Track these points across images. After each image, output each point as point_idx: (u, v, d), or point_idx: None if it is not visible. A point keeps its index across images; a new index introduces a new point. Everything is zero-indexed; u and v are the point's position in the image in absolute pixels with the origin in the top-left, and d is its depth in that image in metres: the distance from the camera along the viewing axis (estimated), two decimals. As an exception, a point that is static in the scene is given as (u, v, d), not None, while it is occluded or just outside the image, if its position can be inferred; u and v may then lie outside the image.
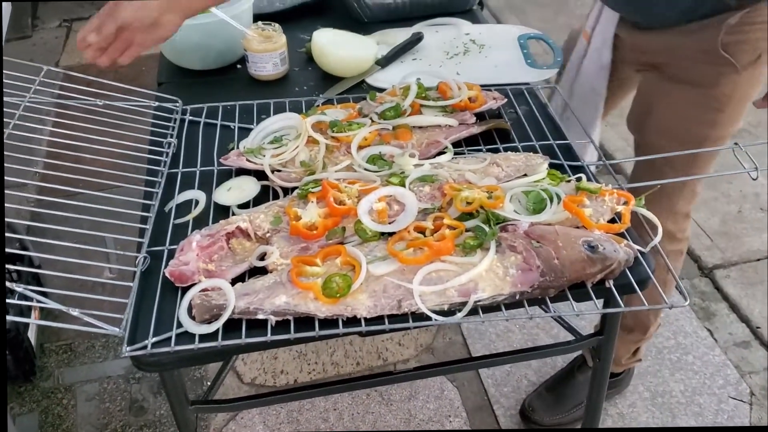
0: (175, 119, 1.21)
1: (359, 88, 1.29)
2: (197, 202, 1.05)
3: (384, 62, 1.32)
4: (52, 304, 0.86)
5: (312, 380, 1.82)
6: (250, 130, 1.16)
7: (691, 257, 2.14)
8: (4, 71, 1.13)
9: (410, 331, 1.92)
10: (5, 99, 1.16)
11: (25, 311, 1.81)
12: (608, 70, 1.35)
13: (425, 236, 0.90)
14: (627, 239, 0.92)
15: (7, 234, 1.87)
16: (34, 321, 1.12)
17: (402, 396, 1.76)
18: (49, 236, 0.97)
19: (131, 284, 0.92)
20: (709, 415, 1.72)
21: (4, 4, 1.73)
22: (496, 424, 1.71)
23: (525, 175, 1.02)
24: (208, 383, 1.75)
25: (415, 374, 1.23)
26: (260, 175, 1.07)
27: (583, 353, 1.69)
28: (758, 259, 2.14)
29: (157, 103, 1.24)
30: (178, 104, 1.23)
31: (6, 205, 0.97)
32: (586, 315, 1.77)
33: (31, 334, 1.83)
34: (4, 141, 1.04)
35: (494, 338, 1.91)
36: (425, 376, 1.24)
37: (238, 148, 1.13)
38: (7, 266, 1.60)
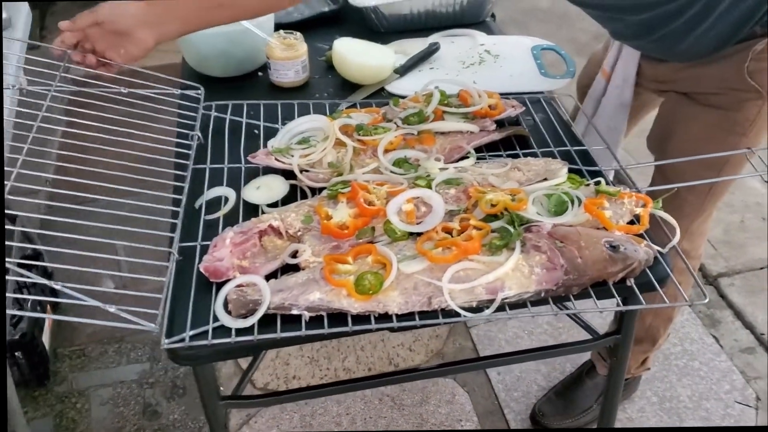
0: (199, 110, 1.23)
1: (378, 96, 1.33)
2: (227, 199, 1.07)
3: (402, 71, 1.36)
4: (90, 302, 0.88)
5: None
6: (276, 129, 1.19)
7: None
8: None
9: (420, 337, 1.95)
10: (30, 88, 1.18)
11: (40, 318, 1.83)
12: (628, 108, 1.36)
13: (452, 236, 0.93)
14: (646, 240, 0.95)
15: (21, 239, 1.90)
16: (69, 318, 1.13)
17: (414, 401, 1.78)
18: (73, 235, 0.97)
19: (163, 279, 0.93)
20: (716, 419, 1.75)
21: (23, 11, 1.76)
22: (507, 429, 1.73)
23: (545, 179, 1.06)
24: (221, 388, 1.77)
25: (427, 373, 1.26)
26: (288, 174, 1.10)
27: (591, 359, 1.73)
28: (761, 268, 2.18)
29: (179, 91, 1.25)
30: (200, 92, 1.25)
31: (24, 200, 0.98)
32: (601, 318, 1.80)
33: (45, 339, 1.85)
34: (32, 135, 1.05)
35: (504, 344, 1.94)
36: (435, 375, 1.27)
37: (265, 147, 1.16)
38: (21, 269, 1.62)
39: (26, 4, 1.81)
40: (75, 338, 1.96)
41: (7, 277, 0.89)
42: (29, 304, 1.83)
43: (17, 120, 1.07)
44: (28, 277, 0.93)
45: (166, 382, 1.83)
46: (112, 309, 0.89)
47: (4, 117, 1.05)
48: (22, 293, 1.87)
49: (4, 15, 1.68)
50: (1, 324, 1.37)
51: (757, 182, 2.40)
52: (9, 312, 1.64)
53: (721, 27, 1.13)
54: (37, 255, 1.96)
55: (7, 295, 1.67)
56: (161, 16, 1.11)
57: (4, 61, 1.42)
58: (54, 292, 2.03)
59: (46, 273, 1.95)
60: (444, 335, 1.97)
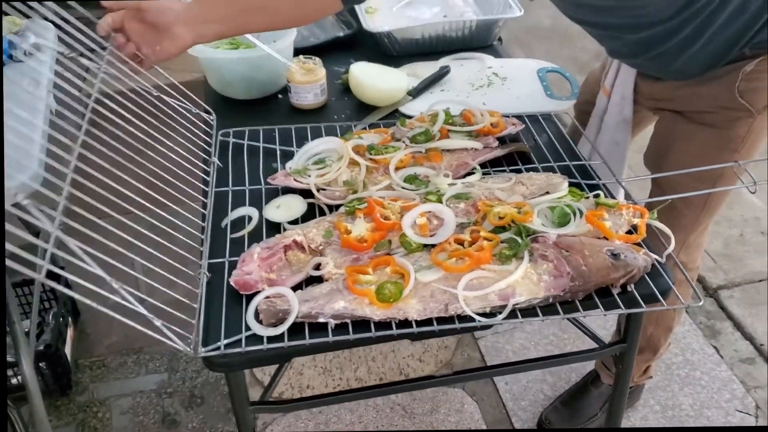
0: (213, 136, 1.31)
1: (393, 117, 1.40)
2: (250, 218, 1.14)
3: (415, 93, 1.44)
4: (140, 309, 0.94)
5: (337, 395, 1.91)
6: (291, 152, 1.27)
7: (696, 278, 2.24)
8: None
9: (430, 348, 2.01)
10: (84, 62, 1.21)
11: (62, 329, 1.89)
12: (630, 123, 1.42)
13: (464, 247, 1.00)
14: (644, 248, 1.02)
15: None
16: (120, 319, 1.17)
17: (424, 410, 1.84)
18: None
19: (196, 291, 1.00)
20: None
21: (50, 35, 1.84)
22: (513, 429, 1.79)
23: (547, 192, 1.13)
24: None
25: (437, 381, 1.32)
26: (305, 193, 1.17)
27: (596, 369, 1.79)
28: (760, 280, 2.24)
29: (195, 110, 1.31)
30: (212, 117, 1.33)
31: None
32: (605, 330, 1.86)
33: (67, 350, 1.91)
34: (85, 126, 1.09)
35: (511, 355, 2.00)
36: (445, 383, 1.32)
37: (283, 168, 1.23)
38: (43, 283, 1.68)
39: (52, 27, 1.88)
40: (95, 350, 2.02)
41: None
42: (51, 316, 1.90)
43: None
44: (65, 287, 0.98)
45: (184, 391, 1.90)
46: (158, 323, 0.94)
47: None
48: (44, 306, 1.95)
49: (32, 39, 1.76)
50: (1, 326, 1.43)
51: (756, 197, 2.47)
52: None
53: (713, 47, 1.19)
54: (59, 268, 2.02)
55: (33, 306, 1.74)
56: (202, 17, 1.13)
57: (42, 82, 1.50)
58: (75, 306, 2.10)
59: (67, 285, 2.02)
60: (453, 346, 2.03)
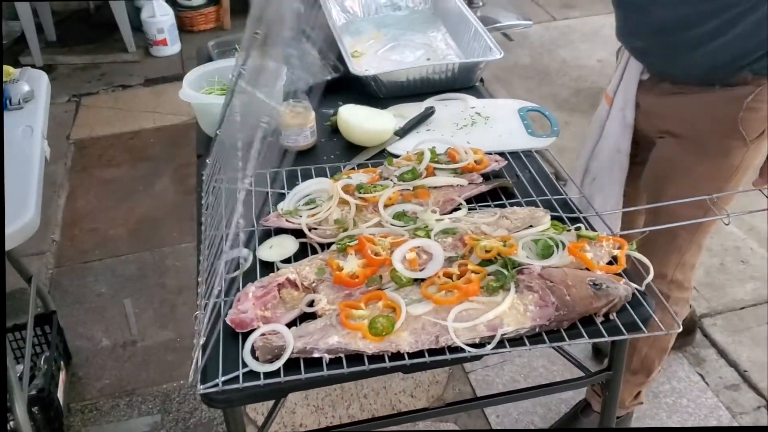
0: (207, 180, 1.35)
1: (381, 156, 1.45)
2: (245, 259, 1.18)
3: (402, 133, 1.49)
4: None
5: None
6: (282, 193, 1.31)
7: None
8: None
9: (421, 383, 2.03)
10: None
11: (54, 373, 1.90)
12: (632, 129, 1.47)
13: (453, 280, 1.04)
14: (624, 278, 1.06)
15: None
16: None
17: (417, 444, 1.86)
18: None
19: (190, 330, 1.02)
20: (707, 453, 1.83)
21: (43, 83, 1.89)
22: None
23: (531, 226, 1.18)
24: None
25: (429, 413, 1.34)
26: (297, 233, 1.21)
27: (586, 397, 1.81)
28: (742, 308, 2.29)
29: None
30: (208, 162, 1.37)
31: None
32: (592, 360, 1.90)
33: (60, 395, 1.91)
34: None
35: (501, 388, 2.02)
36: (437, 415, 1.35)
37: (275, 210, 1.27)
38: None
39: (45, 76, 1.93)
40: (87, 393, 2.02)
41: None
42: (43, 360, 1.90)
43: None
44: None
45: (176, 434, 1.90)
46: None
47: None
48: (35, 351, 1.95)
49: (26, 87, 1.80)
50: (1, 325, 1.44)
51: (734, 227, 2.54)
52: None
53: (729, 51, 1.25)
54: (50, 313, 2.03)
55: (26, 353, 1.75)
56: None
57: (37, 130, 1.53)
58: (66, 349, 2.11)
59: (59, 329, 2.02)
60: (443, 381, 2.05)
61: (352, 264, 1.08)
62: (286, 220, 1.22)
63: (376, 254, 1.09)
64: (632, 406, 1.82)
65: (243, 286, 1.10)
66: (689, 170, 1.39)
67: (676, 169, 1.42)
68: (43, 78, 1.91)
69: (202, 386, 0.94)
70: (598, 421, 1.73)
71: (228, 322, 1.02)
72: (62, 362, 1.99)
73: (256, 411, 1.94)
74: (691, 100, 1.36)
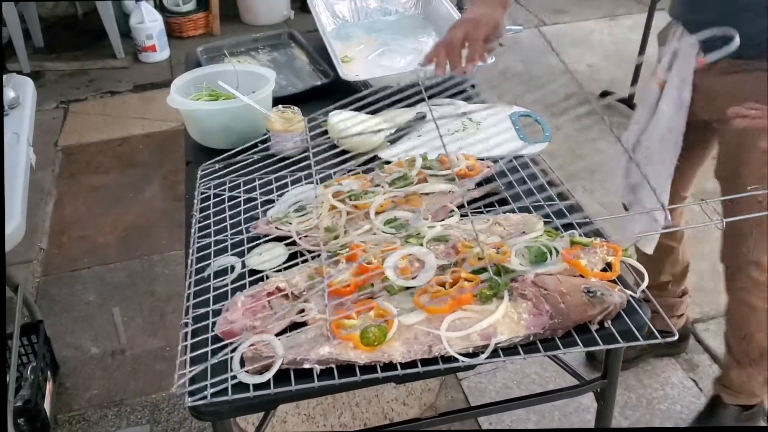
0: (197, 186, 1.35)
1: (371, 162, 1.43)
2: (233, 267, 1.16)
3: (393, 139, 1.47)
4: None
5: (321, 441, 1.89)
6: (271, 200, 1.29)
7: (672, 312, 2.28)
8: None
9: (413, 391, 2.01)
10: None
11: (41, 384, 1.87)
12: (687, 108, 1.44)
13: (445, 289, 1.03)
14: (618, 285, 1.05)
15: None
16: None
17: (409, 453, 1.83)
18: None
19: (184, 343, 1.00)
20: (701, 460, 1.82)
21: (29, 90, 1.87)
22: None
23: (524, 232, 1.16)
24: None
25: (421, 424, 1.32)
26: (286, 239, 1.18)
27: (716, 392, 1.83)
28: (734, 312, 2.28)
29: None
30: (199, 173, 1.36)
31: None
32: (587, 369, 1.88)
33: (47, 406, 1.88)
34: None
35: (494, 395, 2.00)
36: (429, 425, 1.33)
37: (265, 217, 1.25)
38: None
39: (31, 82, 1.91)
40: (74, 403, 1.99)
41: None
42: (29, 371, 1.87)
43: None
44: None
45: (164, 445, 1.87)
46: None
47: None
48: (22, 361, 1.92)
49: (12, 94, 1.78)
50: (1, 324, 1.41)
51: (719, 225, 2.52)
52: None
53: None
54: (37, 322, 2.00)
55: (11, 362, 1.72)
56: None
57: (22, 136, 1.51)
58: (54, 359, 2.07)
59: (46, 339, 1.99)
60: (436, 389, 2.03)
61: (344, 273, 1.06)
62: (276, 228, 1.21)
63: (369, 263, 1.08)
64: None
65: (232, 295, 1.08)
66: (758, 146, 1.31)
67: (750, 147, 1.37)
68: (28, 84, 1.89)
69: (190, 399, 0.92)
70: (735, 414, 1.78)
71: (217, 332, 1.00)
72: (49, 372, 1.96)
73: (247, 421, 1.91)
74: (757, 77, 1.32)
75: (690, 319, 2.22)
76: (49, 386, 1.93)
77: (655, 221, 1.46)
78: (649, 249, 1.56)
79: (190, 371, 0.95)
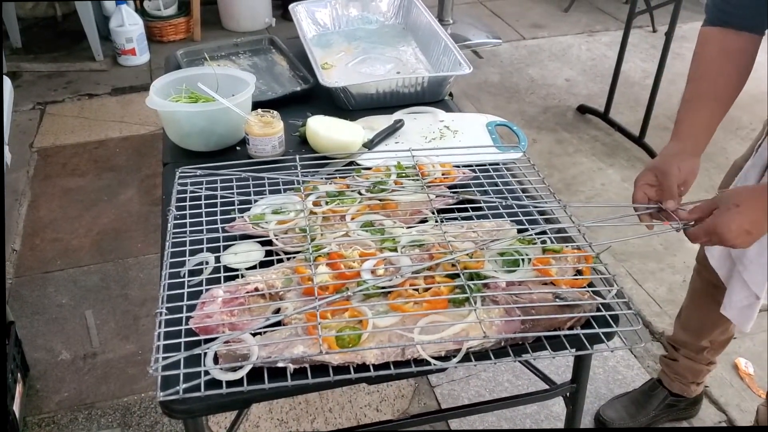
0: (174, 186, 1.33)
1: (348, 167, 1.45)
2: (207, 264, 1.16)
3: (370, 145, 1.49)
4: None
5: (294, 446, 1.89)
6: (248, 202, 1.29)
7: (642, 323, 2.31)
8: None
9: (387, 397, 2.02)
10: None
11: (11, 386, 1.84)
12: None
13: (419, 292, 1.04)
14: (588, 292, 1.07)
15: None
16: None
17: (381, 459, 1.84)
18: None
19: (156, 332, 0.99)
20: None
21: (7, 87, 1.86)
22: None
23: (497, 239, 1.18)
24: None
25: (394, 426, 1.34)
26: (263, 240, 1.19)
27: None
28: (703, 324, 2.32)
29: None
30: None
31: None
32: (558, 375, 1.90)
33: (16, 408, 1.86)
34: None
35: (467, 402, 2.02)
36: (402, 426, 1.34)
37: (241, 217, 1.25)
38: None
39: (9, 82, 1.90)
40: (45, 406, 1.97)
41: None
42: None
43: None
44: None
45: (136, 448, 1.86)
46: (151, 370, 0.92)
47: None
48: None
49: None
50: (1, 322, 1.39)
51: (697, 244, 2.57)
52: None
53: None
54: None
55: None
56: (690, 148, 1.25)
57: None
58: (24, 360, 2.05)
59: (17, 340, 1.97)
60: (409, 395, 2.04)
61: (322, 275, 1.07)
62: (252, 227, 1.21)
63: (349, 268, 1.09)
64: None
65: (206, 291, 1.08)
66: None
67: None
68: (6, 84, 1.87)
69: (161, 393, 0.92)
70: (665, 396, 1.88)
71: (192, 327, 1.00)
72: (19, 374, 1.94)
73: (219, 425, 1.90)
74: None
75: (664, 332, 2.26)
76: (18, 388, 1.90)
77: (757, 298, 1.45)
78: (747, 327, 1.52)
79: (164, 357, 0.93)
